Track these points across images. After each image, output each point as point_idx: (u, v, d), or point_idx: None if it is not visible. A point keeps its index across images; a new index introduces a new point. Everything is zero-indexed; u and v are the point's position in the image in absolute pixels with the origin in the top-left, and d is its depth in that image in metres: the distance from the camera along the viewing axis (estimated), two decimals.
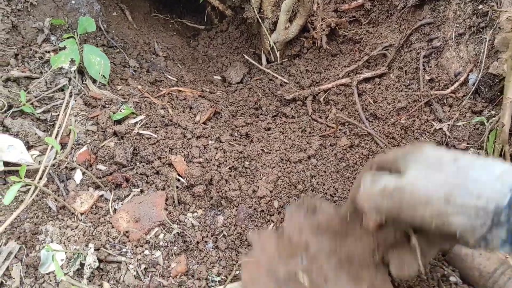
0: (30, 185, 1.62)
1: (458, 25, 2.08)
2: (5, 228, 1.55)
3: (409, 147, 1.02)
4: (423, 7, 2.27)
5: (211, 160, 1.88)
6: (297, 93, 2.41)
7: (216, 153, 1.92)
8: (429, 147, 0.99)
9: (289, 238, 1.38)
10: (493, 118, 1.81)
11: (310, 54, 2.66)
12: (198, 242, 1.61)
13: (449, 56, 2.08)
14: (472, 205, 0.84)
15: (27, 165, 1.68)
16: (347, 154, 1.97)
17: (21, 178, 1.47)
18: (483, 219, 0.83)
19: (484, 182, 0.86)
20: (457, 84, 1.99)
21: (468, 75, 1.97)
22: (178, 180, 1.76)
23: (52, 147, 1.79)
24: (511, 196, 0.81)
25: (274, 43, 2.62)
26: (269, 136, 2.18)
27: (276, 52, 2.71)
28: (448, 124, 1.93)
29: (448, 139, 1.91)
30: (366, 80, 2.39)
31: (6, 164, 1.77)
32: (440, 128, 1.96)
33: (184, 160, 1.86)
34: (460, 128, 1.90)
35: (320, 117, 2.31)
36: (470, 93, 1.94)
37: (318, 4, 2.67)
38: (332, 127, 2.17)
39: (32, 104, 1.99)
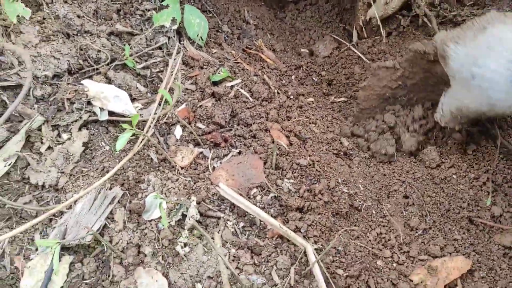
0: (136, 135, 1.66)
1: None
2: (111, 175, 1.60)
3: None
4: None
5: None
6: None
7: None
8: None
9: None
10: None
11: (406, 33, 2.56)
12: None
13: None
14: None
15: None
16: None
17: (133, 127, 1.50)
18: None
19: None
20: None
21: None
22: (278, 147, 1.75)
23: (159, 99, 1.82)
24: None
25: (370, 18, 2.54)
26: None
27: (370, 28, 2.62)
28: None
29: None
30: None
31: (110, 113, 1.83)
32: None
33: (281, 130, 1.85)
34: None
35: None
36: None
37: None
38: None
39: (133, 59, 2.04)
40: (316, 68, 2.59)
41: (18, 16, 1.80)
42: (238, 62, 2.25)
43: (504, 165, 1.86)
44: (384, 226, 1.73)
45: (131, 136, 1.68)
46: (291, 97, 2.15)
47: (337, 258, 1.53)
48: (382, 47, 2.58)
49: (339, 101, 2.34)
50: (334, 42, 2.77)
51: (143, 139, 1.66)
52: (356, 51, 2.62)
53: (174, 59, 1.99)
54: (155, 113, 1.77)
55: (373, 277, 1.52)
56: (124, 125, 1.50)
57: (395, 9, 2.48)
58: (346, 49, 2.67)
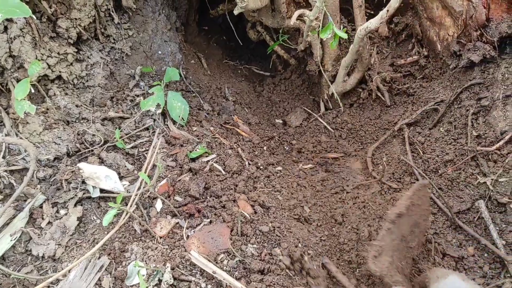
0: (121, 210, 1.96)
1: (505, 87, 2.24)
2: (99, 246, 1.89)
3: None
4: (474, 68, 2.44)
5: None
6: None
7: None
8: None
9: None
10: None
11: (365, 105, 2.90)
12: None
13: (496, 115, 2.23)
14: None
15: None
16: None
17: (118, 204, 1.81)
18: None
19: None
20: (502, 142, 2.14)
21: None
22: (243, 216, 2.04)
23: (141, 178, 2.14)
24: None
25: (333, 93, 2.89)
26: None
27: (334, 101, 2.97)
28: (492, 179, 2.08)
29: (491, 193, 2.05)
30: (417, 131, 2.59)
31: (101, 191, 2.15)
32: (484, 182, 2.11)
33: (247, 200, 2.15)
34: (503, 183, 2.05)
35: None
36: None
37: (375, 58, 2.92)
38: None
39: (123, 140, 2.37)
40: (288, 138, 2.93)
41: (25, 112, 2.15)
42: (215, 137, 2.59)
43: None
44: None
45: (119, 210, 1.98)
46: (261, 167, 2.46)
47: None
48: (345, 117, 2.92)
49: (306, 168, 2.65)
50: (304, 113, 3.12)
51: (126, 214, 1.96)
52: (322, 121, 2.95)
53: (156, 139, 2.32)
54: (137, 190, 2.07)
55: None
56: (110, 204, 1.81)
57: (352, 85, 2.83)
58: (314, 119, 3.01)
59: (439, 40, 2.70)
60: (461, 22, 2.47)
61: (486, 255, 1.98)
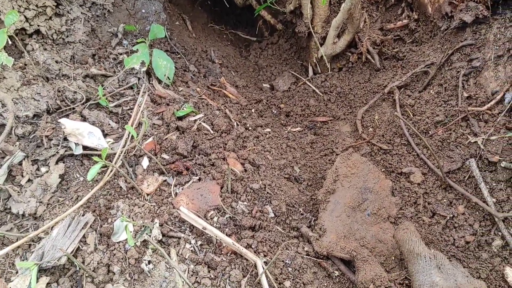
0: (106, 166, 1.88)
1: (497, 47, 2.22)
2: (83, 202, 1.81)
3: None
4: (465, 29, 2.42)
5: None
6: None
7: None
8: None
9: None
10: None
11: (354, 68, 2.85)
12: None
13: (487, 76, 2.22)
14: None
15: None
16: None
17: (102, 159, 1.73)
18: None
19: None
20: (493, 102, 2.13)
21: (504, 94, 2.11)
22: (233, 173, 1.98)
23: (127, 135, 2.05)
24: None
25: (322, 56, 2.83)
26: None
27: (323, 65, 2.91)
28: (483, 138, 2.07)
29: (482, 152, 2.05)
30: (407, 94, 2.56)
31: (84, 148, 2.05)
32: (475, 142, 2.10)
33: (237, 158, 2.09)
34: (493, 142, 2.04)
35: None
36: (506, 110, 2.07)
37: (365, 22, 2.86)
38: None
39: (106, 98, 2.27)
40: (276, 101, 2.87)
41: (1, 64, 2.02)
42: (202, 98, 2.51)
43: None
44: None
45: (103, 167, 1.90)
46: (250, 128, 2.40)
47: (285, 270, 1.74)
48: (334, 81, 2.87)
49: (294, 131, 2.60)
50: (292, 77, 3.06)
51: (112, 170, 1.88)
52: (311, 85, 2.90)
53: (141, 97, 2.23)
54: (122, 147, 1.99)
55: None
56: (95, 158, 1.73)
57: (342, 47, 2.78)
58: (303, 84, 2.95)
59: (430, 2, 2.65)
60: None
61: (476, 213, 1.98)
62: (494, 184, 2.00)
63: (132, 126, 2.11)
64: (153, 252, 1.70)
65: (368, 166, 2.07)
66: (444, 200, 2.06)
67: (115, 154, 2.00)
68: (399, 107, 2.48)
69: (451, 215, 2.00)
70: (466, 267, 1.82)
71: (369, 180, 2.01)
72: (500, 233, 1.89)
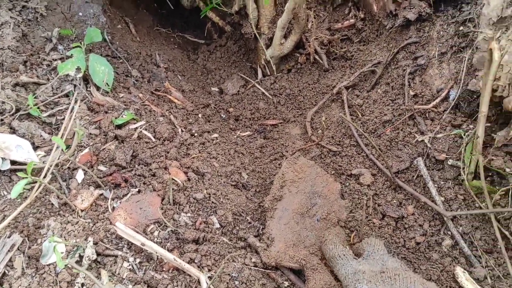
0: (35, 182, 1.73)
1: (441, 44, 2.22)
2: (9, 222, 1.66)
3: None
4: (410, 27, 2.41)
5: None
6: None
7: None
8: None
9: None
10: (470, 131, 1.94)
11: (303, 69, 2.80)
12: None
13: (432, 73, 2.21)
14: None
15: (34, 164, 1.79)
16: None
17: (28, 175, 1.58)
18: None
19: None
20: (438, 99, 2.12)
21: (449, 91, 2.11)
22: (175, 183, 1.88)
23: (57, 147, 1.91)
24: None
25: (270, 57, 2.76)
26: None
27: (272, 66, 2.85)
28: (429, 137, 2.05)
29: (429, 150, 2.03)
30: (355, 94, 2.53)
31: (13, 162, 1.89)
32: (422, 140, 2.08)
33: (180, 167, 1.98)
34: (440, 140, 2.03)
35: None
36: (450, 108, 2.07)
37: (312, 22, 2.82)
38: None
39: (38, 108, 2.11)
40: (224, 105, 2.77)
41: None
42: (145, 105, 2.38)
43: None
44: None
45: (32, 183, 1.75)
46: (195, 134, 2.30)
47: (232, 284, 1.65)
48: (283, 83, 2.81)
49: (244, 135, 2.52)
50: (241, 80, 2.98)
51: (40, 186, 1.73)
52: (260, 88, 2.83)
53: (73, 107, 2.08)
54: (54, 160, 1.84)
55: None
56: (20, 173, 1.58)
57: (290, 48, 2.72)
58: (252, 86, 2.88)
59: (375, 1, 2.64)
60: None
61: (426, 213, 1.96)
62: (442, 182, 1.99)
63: (63, 137, 1.96)
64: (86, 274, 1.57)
65: (316, 170, 2.01)
66: (394, 201, 2.03)
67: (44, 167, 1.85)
68: (347, 108, 2.44)
69: (401, 216, 1.97)
70: (417, 269, 1.79)
71: (317, 184, 1.95)
72: (449, 232, 1.87)
